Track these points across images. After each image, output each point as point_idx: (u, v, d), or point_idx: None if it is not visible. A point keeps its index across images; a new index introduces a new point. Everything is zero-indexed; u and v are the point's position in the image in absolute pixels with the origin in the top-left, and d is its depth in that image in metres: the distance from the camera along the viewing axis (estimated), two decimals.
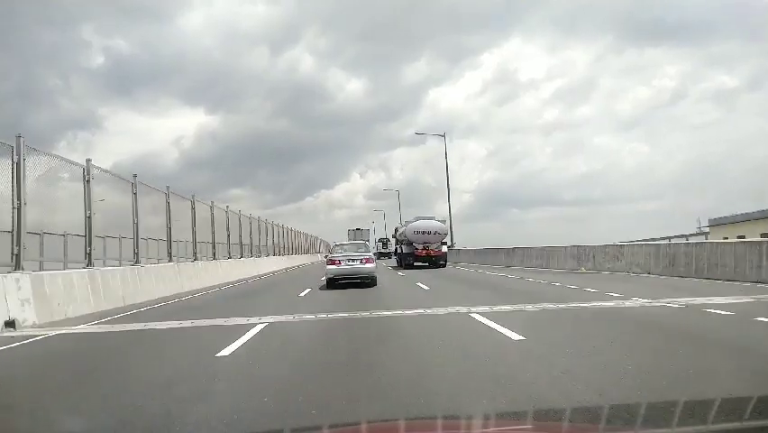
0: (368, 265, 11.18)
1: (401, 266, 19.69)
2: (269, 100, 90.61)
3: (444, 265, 17.01)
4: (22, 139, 6.15)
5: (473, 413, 2.35)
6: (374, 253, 13.76)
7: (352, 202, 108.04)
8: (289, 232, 27.77)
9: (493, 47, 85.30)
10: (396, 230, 24.19)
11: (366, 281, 10.45)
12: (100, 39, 70.85)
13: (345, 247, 12.25)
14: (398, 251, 21.18)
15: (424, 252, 17.04)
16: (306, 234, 39.50)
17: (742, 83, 62.69)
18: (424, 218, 17.98)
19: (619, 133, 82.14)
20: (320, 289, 9.61)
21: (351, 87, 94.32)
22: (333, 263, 11.13)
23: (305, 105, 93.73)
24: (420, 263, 17.68)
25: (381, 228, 62.11)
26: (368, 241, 33.12)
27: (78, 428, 2.57)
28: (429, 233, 17.31)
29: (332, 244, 18.06)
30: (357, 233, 47.05)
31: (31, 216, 6.39)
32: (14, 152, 6.23)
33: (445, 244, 17.37)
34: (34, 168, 6.31)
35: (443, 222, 17.40)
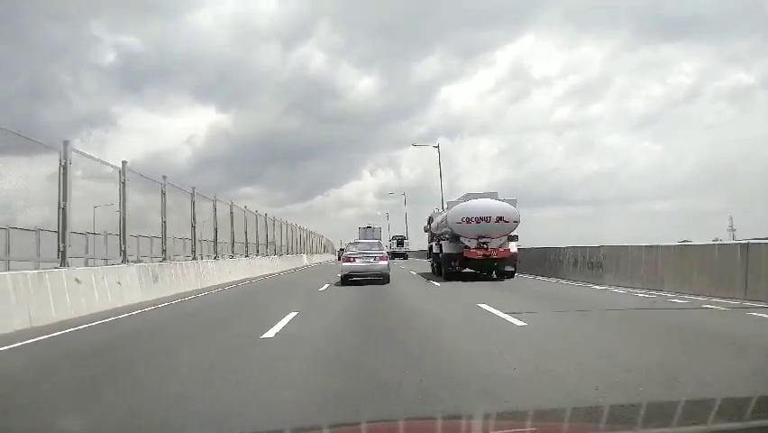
0: (381, 263, 14.08)
1: (437, 273, 16.69)
2: (280, 98, 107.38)
3: (512, 275, 14.17)
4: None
5: (474, 413, 2.72)
6: (388, 253, 16.65)
7: (362, 201, 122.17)
8: (291, 228, 30.45)
9: (506, 44, 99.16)
10: (429, 220, 20.86)
11: (379, 279, 13.74)
12: (111, 36, 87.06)
13: (360, 246, 15.39)
14: (434, 250, 17.65)
15: (479, 251, 13.71)
16: (316, 234, 47.85)
17: (758, 80, 74.67)
18: (479, 196, 14.55)
19: (632, 131, 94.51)
20: (309, 312, 7.90)
21: (362, 85, 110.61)
22: (348, 261, 14.23)
23: (315, 102, 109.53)
24: (472, 270, 14.74)
25: (395, 224, 66.93)
26: (380, 239, 35.86)
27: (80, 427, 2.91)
28: (488, 219, 13.71)
29: (340, 243, 20.83)
30: (368, 231, 52.26)
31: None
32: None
33: (515, 239, 14.22)
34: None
35: (513, 202, 14.27)
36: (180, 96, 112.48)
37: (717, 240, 11.76)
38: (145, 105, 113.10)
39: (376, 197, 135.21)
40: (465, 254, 13.77)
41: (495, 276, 14.28)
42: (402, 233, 56.68)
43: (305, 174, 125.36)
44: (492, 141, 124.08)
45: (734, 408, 2.45)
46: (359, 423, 2.48)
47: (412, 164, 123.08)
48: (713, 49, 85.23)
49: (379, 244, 16.13)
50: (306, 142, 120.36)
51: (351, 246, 15.30)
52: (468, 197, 14.67)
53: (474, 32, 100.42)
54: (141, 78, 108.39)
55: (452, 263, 14.20)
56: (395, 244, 52.24)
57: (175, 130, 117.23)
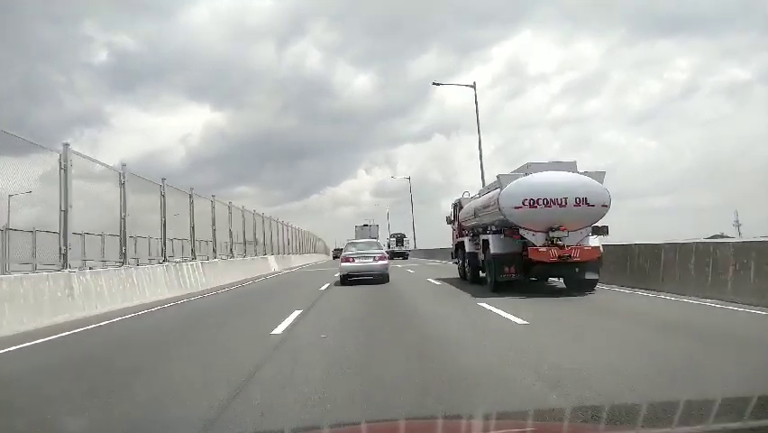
0: (381, 263, 17.50)
1: (470, 280, 16.26)
2: (276, 96, 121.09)
3: (594, 285, 13.21)
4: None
5: (473, 413, 3.35)
6: (387, 252, 21.03)
7: (358, 199, 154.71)
8: (249, 219, 31.39)
9: (503, 40, 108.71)
10: (455, 206, 20.48)
11: (378, 279, 17.10)
12: (104, 35, 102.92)
13: (358, 245, 19.26)
14: (468, 249, 16.93)
15: (553, 251, 12.52)
16: (297, 229, 53.34)
17: (755, 76, 77.00)
18: (547, 167, 13.25)
19: (629, 127, 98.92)
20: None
21: (357, 83, 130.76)
22: (348, 261, 17.59)
23: (311, 100, 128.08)
24: (535, 277, 13.83)
25: (396, 223, 76.40)
26: (378, 237, 46.24)
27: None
28: (563, 202, 12.56)
29: (335, 243, 30.54)
30: (365, 229, 61.94)
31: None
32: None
33: (602, 232, 13.17)
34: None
35: (598, 176, 12.89)
36: (175, 95, 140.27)
37: (721, 234, 11.33)
38: (138, 105, 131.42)
39: (372, 195, 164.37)
40: (530, 255, 12.70)
41: (565, 285, 13.63)
42: (401, 230, 67.07)
43: (300, 173, 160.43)
44: (489, 138, 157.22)
45: (734, 408, 3.05)
46: (359, 423, 3.22)
47: (409, 161, 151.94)
48: (711, 43, 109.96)
49: (378, 244, 20.93)
50: (302, 141, 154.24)
51: (349, 246, 19.53)
52: (530, 168, 13.44)
53: (471, 28, 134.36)
54: (135, 77, 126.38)
55: (506, 269, 12.97)
56: (394, 243, 62.15)
57: (170, 128, 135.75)
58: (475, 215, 16.01)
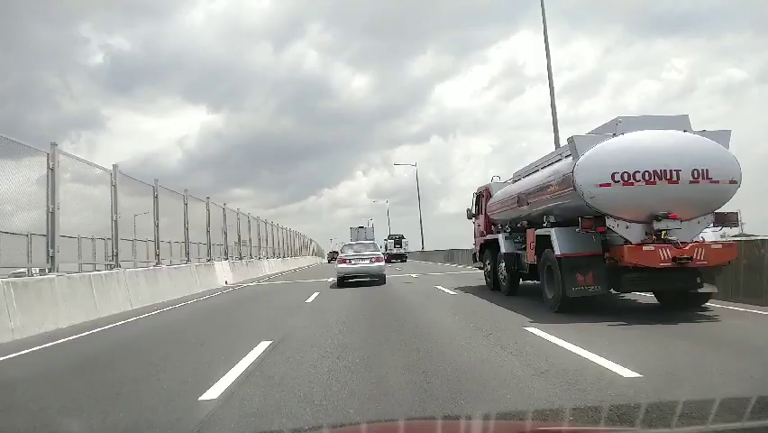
0: (377, 264, 23.97)
1: (499, 288, 16.51)
2: (273, 98, 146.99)
3: (706, 300, 12.16)
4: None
5: (473, 413, 4.92)
6: (383, 254, 30.07)
7: (356, 201, 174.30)
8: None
9: (500, 40, 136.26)
10: (480, 196, 20.87)
11: (374, 280, 24.87)
12: (99, 36, 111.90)
13: (355, 247, 26.39)
14: (504, 249, 16.51)
15: (664, 249, 11.12)
16: (275, 225, 57.60)
17: (752, 76, 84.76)
18: (648, 124, 11.84)
19: None
20: None
21: (355, 84, 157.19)
22: (344, 262, 24.13)
23: (309, 102, 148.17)
24: (629, 290, 12.42)
25: (384, 228, 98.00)
26: (373, 239, 62.35)
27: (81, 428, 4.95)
28: (673, 176, 11.34)
29: (331, 246, 73.05)
30: (360, 231, 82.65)
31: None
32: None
33: (731, 222, 12.20)
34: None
35: (722, 136, 11.72)
36: (172, 97, 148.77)
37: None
38: (135, 107, 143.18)
39: (370, 196, 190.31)
40: (626, 258, 11.40)
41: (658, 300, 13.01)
42: (400, 231, 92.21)
43: (298, 175, 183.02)
44: (486, 138, 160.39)
45: (734, 408, 3.83)
46: (359, 423, 3.89)
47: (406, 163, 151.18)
48: (706, 44, 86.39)
49: (374, 245, 27.45)
50: (300, 142, 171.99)
51: (346, 248, 26.08)
52: (621, 126, 12.21)
53: (469, 28, 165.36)
54: (131, 79, 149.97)
55: (580, 277, 11.83)
56: (392, 245, 76.87)
57: (167, 131, 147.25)
58: (520, 202, 15.13)
